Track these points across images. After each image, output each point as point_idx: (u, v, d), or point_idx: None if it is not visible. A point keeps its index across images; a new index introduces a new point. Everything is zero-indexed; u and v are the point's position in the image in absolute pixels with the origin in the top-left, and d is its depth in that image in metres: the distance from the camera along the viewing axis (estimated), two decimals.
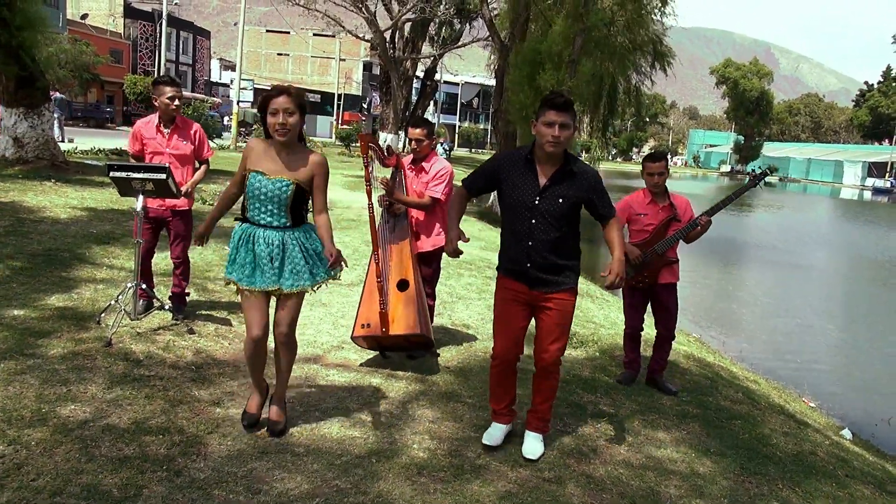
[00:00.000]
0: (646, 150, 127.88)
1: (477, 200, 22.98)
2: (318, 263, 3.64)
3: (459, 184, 4.08)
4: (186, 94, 48.91)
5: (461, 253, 3.96)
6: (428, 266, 5.30)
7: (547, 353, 3.78)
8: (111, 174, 4.77)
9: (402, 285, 4.99)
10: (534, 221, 3.63)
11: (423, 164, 5.19)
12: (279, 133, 3.46)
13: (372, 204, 4.92)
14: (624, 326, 5.40)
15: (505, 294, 3.81)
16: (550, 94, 3.64)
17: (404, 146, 29.68)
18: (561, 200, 3.61)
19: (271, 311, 3.69)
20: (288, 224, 3.58)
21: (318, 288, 3.66)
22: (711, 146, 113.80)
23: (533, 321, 3.87)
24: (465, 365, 5.27)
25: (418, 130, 5.13)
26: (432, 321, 5.49)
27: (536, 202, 3.62)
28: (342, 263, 3.59)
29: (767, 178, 5.22)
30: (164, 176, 4.73)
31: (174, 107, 5.13)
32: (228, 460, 3.39)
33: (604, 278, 3.69)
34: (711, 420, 4.80)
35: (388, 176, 5.37)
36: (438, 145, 34.55)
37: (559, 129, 3.52)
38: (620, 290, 5.34)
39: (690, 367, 6.14)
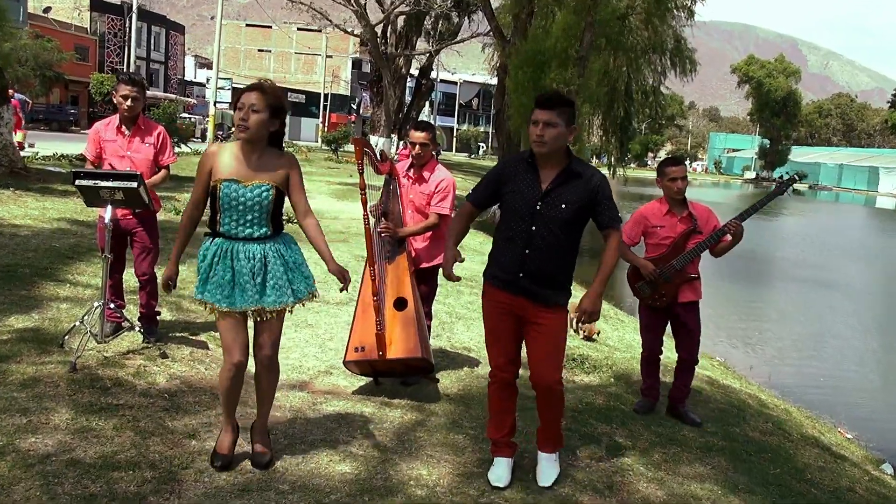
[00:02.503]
0: (662, 154, 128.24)
1: None
2: (300, 276, 3.64)
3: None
4: (158, 94, 49.12)
5: (458, 278, 4.00)
6: (425, 283, 5.30)
7: (544, 376, 3.79)
8: (77, 182, 4.76)
9: (400, 304, 4.98)
10: (534, 228, 3.67)
11: (423, 172, 5.20)
12: (239, 129, 3.46)
13: (367, 214, 4.93)
14: (641, 350, 5.39)
15: (492, 305, 3.84)
16: (539, 93, 3.77)
17: (397, 150, 29.72)
18: (564, 206, 3.65)
19: (250, 332, 3.68)
20: (269, 234, 3.57)
21: (296, 306, 3.65)
22: (734, 151, 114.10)
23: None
24: (467, 392, 5.26)
25: (423, 134, 5.11)
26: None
27: (538, 207, 3.66)
28: (344, 284, 3.70)
29: (796, 185, 5.22)
30: (135, 184, 4.73)
31: (126, 106, 5.14)
32: (205, 499, 3.37)
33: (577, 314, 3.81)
34: (739, 453, 4.79)
35: (381, 185, 5.39)
36: None
37: (542, 128, 3.60)
38: (637, 309, 5.33)
39: (714, 395, 6.13)
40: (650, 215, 5.12)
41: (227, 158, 3.53)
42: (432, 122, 71.10)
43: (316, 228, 3.69)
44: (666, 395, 5.41)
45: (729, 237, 4.99)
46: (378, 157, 5.25)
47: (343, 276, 3.68)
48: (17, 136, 22.08)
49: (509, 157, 4.00)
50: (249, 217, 3.52)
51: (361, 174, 4.84)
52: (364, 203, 4.90)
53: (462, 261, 4.09)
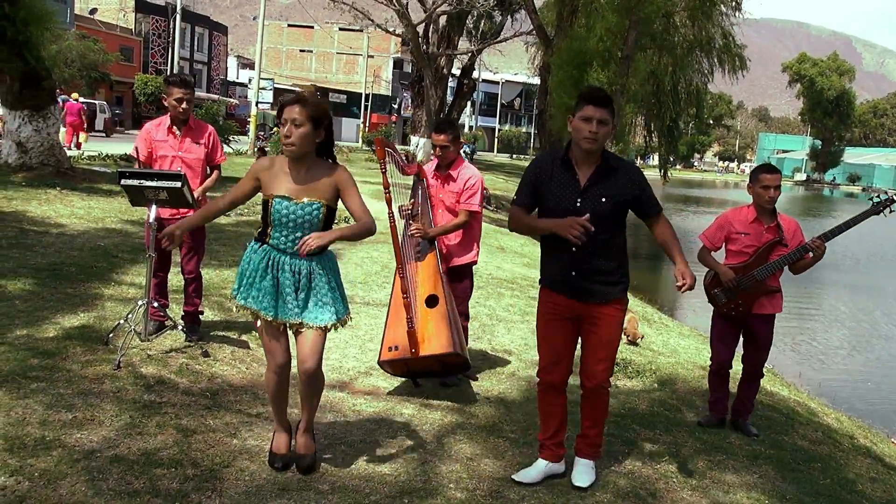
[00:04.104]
0: (709, 155, 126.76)
1: None
2: (340, 297, 3.67)
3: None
4: (201, 94, 49.95)
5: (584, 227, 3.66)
6: (460, 282, 5.34)
7: (595, 373, 3.83)
8: (122, 182, 4.88)
9: (432, 301, 5.02)
10: None
11: (451, 171, 5.27)
12: (284, 143, 3.49)
13: (392, 213, 4.98)
14: (709, 361, 5.22)
15: (547, 308, 3.86)
16: (588, 89, 3.80)
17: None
18: (604, 200, 3.67)
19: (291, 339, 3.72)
20: (317, 251, 3.60)
21: (337, 327, 3.66)
22: (784, 152, 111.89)
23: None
24: (507, 395, 5.26)
25: (443, 136, 5.19)
26: (467, 344, 5.50)
27: (578, 204, 3.68)
28: (304, 248, 3.37)
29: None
30: (179, 184, 4.83)
31: (181, 109, 5.25)
32: (246, 497, 3.42)
33: (679, 287, 3.65)
34: (787, 462, 4.72)
35: (409, 184, 5.47)
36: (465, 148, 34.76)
37: (597, 125, 3.61)
38: (711, 319, 5.20)
39: (762, 402, 6.03)
40: (735, 221, 4.99)
41: (276, 173, 3.57)
42: (474, 122, 71.20)
43: (359, 223, 3.57)
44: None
45: (810, 255, 4.85)
46: (405, 158, 5.35)
47: (305, 243, 3.40)
48: (82, 138, 22.80)
49: (540, 156, 4.02)
50: (300, 234, 3.53)
51: (384, 173, 4.92)
52: (388, 201, 4.96)
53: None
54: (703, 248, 5.07)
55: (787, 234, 4.91)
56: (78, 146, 21.86)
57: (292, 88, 54.58)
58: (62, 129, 21.49)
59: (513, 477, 3.88)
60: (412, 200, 5.38)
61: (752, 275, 4.85)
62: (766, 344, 5.06)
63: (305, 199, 3.52)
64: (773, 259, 4.86)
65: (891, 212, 4.93)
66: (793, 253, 4.84)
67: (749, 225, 4.94)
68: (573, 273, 3.72)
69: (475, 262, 5.47)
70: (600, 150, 3.72)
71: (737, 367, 5.23)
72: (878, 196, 5.02)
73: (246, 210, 11.73)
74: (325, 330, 3.62)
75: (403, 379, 5.23)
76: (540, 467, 3.95)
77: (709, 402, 5.29)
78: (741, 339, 5.16)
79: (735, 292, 4.90)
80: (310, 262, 3.57)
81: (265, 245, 3.61)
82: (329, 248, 3.69)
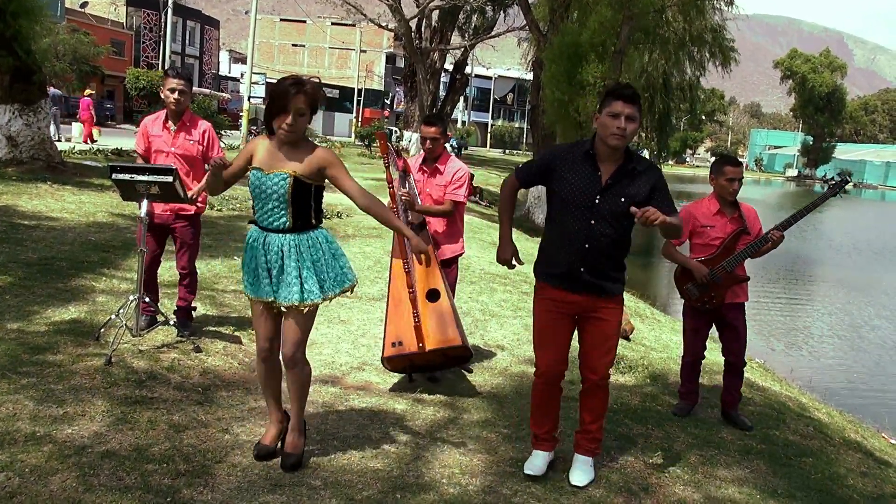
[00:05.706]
0: (701, 151, 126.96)
1: None
2: (313, 279, 3.60)
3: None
4: (193, 88, 49.66)
5: (513, 266, 4.10)
6: (447, 274, 5.36)
7: (599, 367, 3.86)
8: (113, 176, 4.84)
9: (433, 295, 5.04)
10: (593, 222, 3.69)
11: (438, 165, 5.30)
12: (284, 132, 3.49)
13: (396, 207, 4.97)
14: (682, 353, 5.31)
15: (548, 304, 3.86)
16: (617, 85, 3.81)
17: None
18: (623, 200, 3.67)
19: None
20: (289, 225, 3.57)
21: (307, 307, 3.59)
22: (776, 148, 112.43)
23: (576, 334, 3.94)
24: (500, 390, 5.26)
25: (433, 129, 5.23)
26: None
27: (597, 201, 3.68)
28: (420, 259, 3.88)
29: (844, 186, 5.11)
30: (170, 178, 4.79)
31: (173, 99, 5.21)
32: (238, 493, 3.41)
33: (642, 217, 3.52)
34: (778, 457, 4.73)
35: (398, 179, 5.46)
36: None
37: (625, 121, 3.60)
38: (682, 313, 5.26)
39: (753, 397, 6.05)
40: (699, 215, 5.01)
41: (262, 150, 3.62)
42: (467, 117, 71.14)
43: (376, 207, 3.65)
44: (705, 397, 5.37)
45: (769, 244, 4.89)
46: (396, 153, 5.35)
47: (419, 251, 3.81)
48: (94, 133, 22.95)
49: (563, 145, 4.02)
50: (270, 206, 3.56)
51: (387, 168, 4.91)
52: (392, 196, 4.95)
53: (521, 263, 4.10)
54: (668, 243, 5.07)
55: (749, 222, 4.98)
56: (93, 140, 21.95)
57: None
58: (80, 126, 21.79)
59: (525, 471, 3.89)
60: (406, 190, 5.37)
61: (722, 266, 4.88)
62: (744, 331, 5.12)
63: (275, 171, 3.54)
64: (739, 248, 4.91)
65: (845, 192, 5.03)
66: (757, 242, 4.89)
67: (713, 217, 4.98)
68: (582, 269, 3.73)
69: (461, 254, 5.53)
70: (624, 149, 3.71)
71: (714, 360, 5.26)
72: (832, 180, 5.10)
73: (239, 206, 11.70)
74: (306, 313, 3.60)
75: (396, 374, 5.21)
76: (543, 457, 3.98)
77: (680, 393, 5.35)
78: (717, 331, 5.21)
79: (707, 286, 4.92)
80: (283, 238, 3.58)
81: (255, 227, 3.66)
82: (320, 227, 3.69)
